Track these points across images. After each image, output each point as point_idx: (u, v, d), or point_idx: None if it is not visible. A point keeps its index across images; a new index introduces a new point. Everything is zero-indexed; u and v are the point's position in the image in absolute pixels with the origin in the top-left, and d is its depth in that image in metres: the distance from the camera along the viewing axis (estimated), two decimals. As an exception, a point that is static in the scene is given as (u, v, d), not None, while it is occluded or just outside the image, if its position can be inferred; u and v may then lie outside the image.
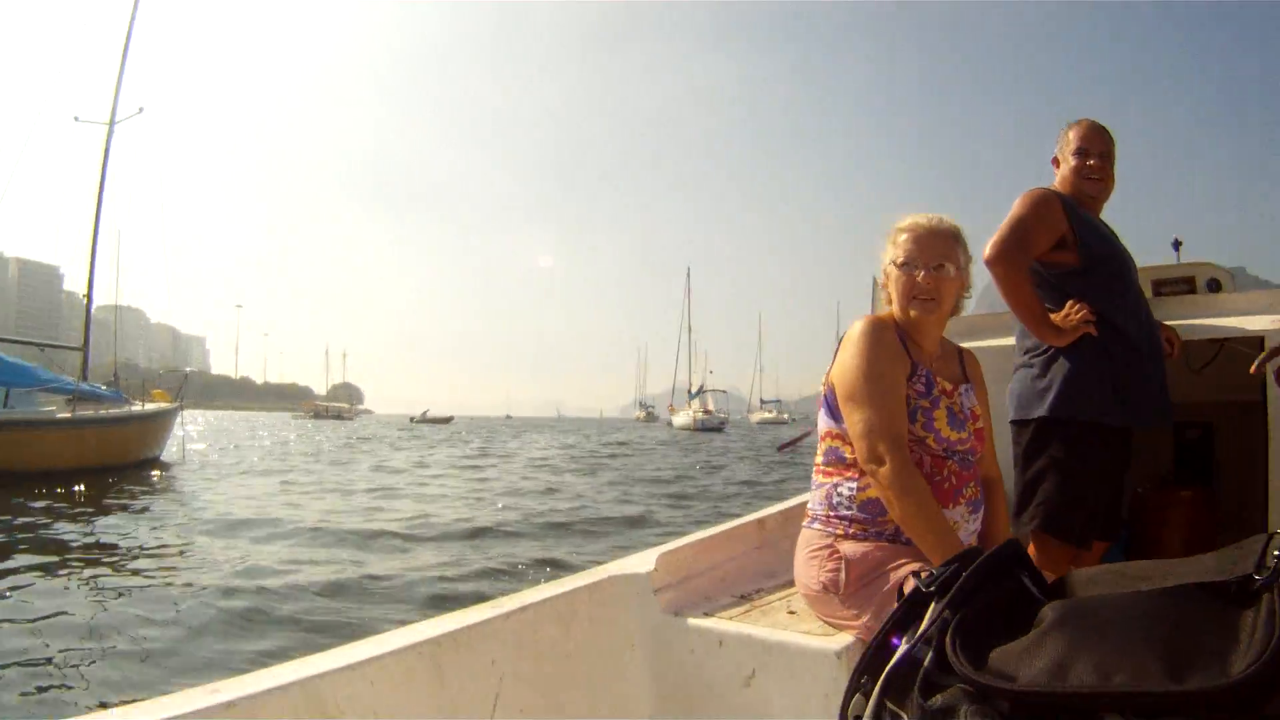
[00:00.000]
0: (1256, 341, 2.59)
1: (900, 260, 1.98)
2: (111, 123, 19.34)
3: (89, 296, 19.21)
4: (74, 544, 8.11)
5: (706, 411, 68.91)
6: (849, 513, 1.91)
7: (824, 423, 2.04)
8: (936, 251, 1.96)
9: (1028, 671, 0.97)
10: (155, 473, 16.53)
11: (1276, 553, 0.99)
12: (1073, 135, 2.64)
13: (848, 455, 1.94)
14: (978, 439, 2.03)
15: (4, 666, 4.31)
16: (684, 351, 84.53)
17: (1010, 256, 2.42)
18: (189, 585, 6.28)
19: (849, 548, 1.87)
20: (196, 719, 1.18)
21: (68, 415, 15.30)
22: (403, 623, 1.73)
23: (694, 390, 78.72)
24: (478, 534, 9.07)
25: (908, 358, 1.96)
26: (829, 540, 1.91)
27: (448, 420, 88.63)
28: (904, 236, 2.00)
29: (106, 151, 19.25)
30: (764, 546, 2.42)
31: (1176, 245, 3.85)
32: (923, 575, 1.16)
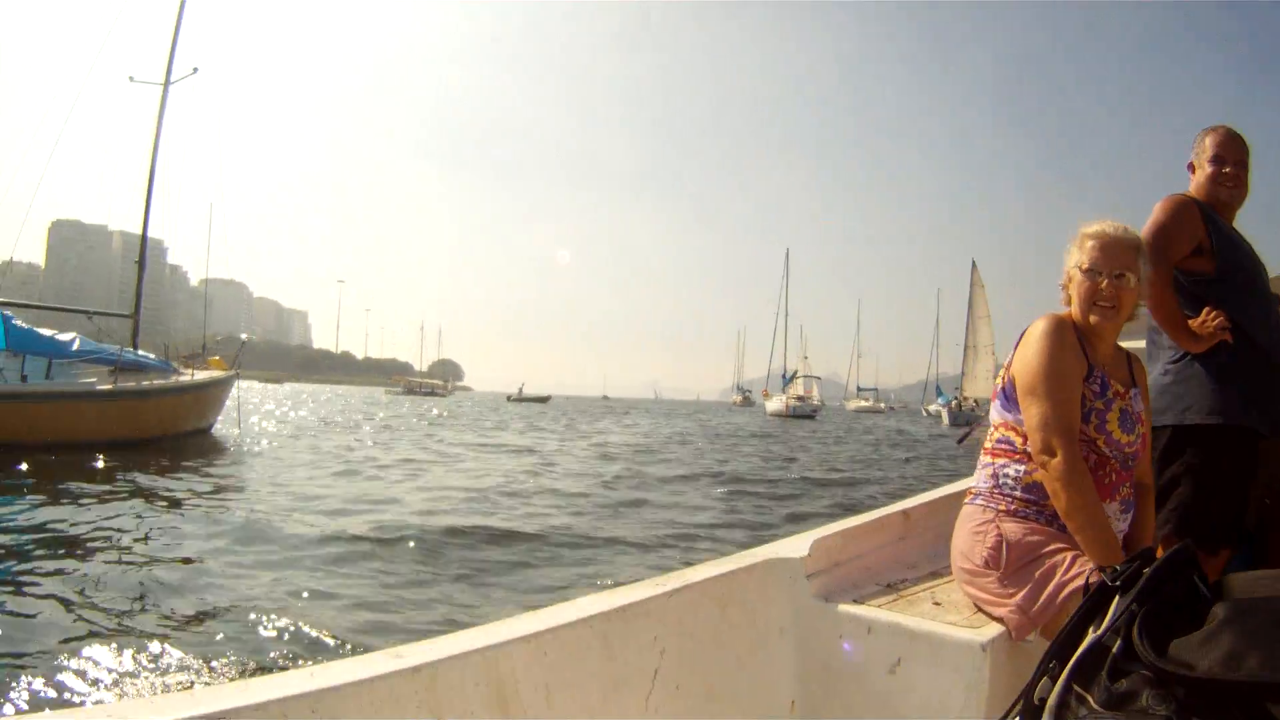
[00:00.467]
0: None
1: (1085, 266, 2.05)
2: (166, 83, 19.00)
3: (140, 263, 19.06)
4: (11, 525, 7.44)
5: (800, 398, 68.11)
6: (1013, 492, 2.01)
7: (997, 414, 2.13)
8: (1120, 261, 2.03)
9: (1204, 662, 1.06)
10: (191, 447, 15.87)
11: None
12: (1209, 142, 2.65)
13: (1018, 443, 2.04)
14: (1142, 444, 2.10)
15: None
16: (780, 336, 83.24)
17: (1152, 263, 2.40)
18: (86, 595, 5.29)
19: (1010, 527, 1.96)
20: (382, 682, 1.24)
21: (108, 387, 14.82)
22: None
23: (788, 375, 77.65)
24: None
25: (1085, 359, 2.03)
26: (991, 516, 2.01)
27: (545, 399, 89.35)
28: (1090, 243, 2.06)
29: (161, 112, 18.92)
30: (908, 537, 2.44)
31: None
32: (1106, 571, 1.26)
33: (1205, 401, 2.47)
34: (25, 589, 5.28)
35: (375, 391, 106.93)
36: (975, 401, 61.06)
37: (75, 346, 15.11)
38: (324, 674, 1.22)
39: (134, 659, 3.97)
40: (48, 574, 5.69)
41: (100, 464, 11.89)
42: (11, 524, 7.44)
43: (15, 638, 4.31)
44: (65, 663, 3.89)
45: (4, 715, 3.40)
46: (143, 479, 10.74)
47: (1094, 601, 1.23)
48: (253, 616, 4.76)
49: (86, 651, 4.02)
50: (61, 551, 6.49)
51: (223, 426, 19.72)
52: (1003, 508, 2.01)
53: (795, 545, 2.09)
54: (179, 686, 3.74)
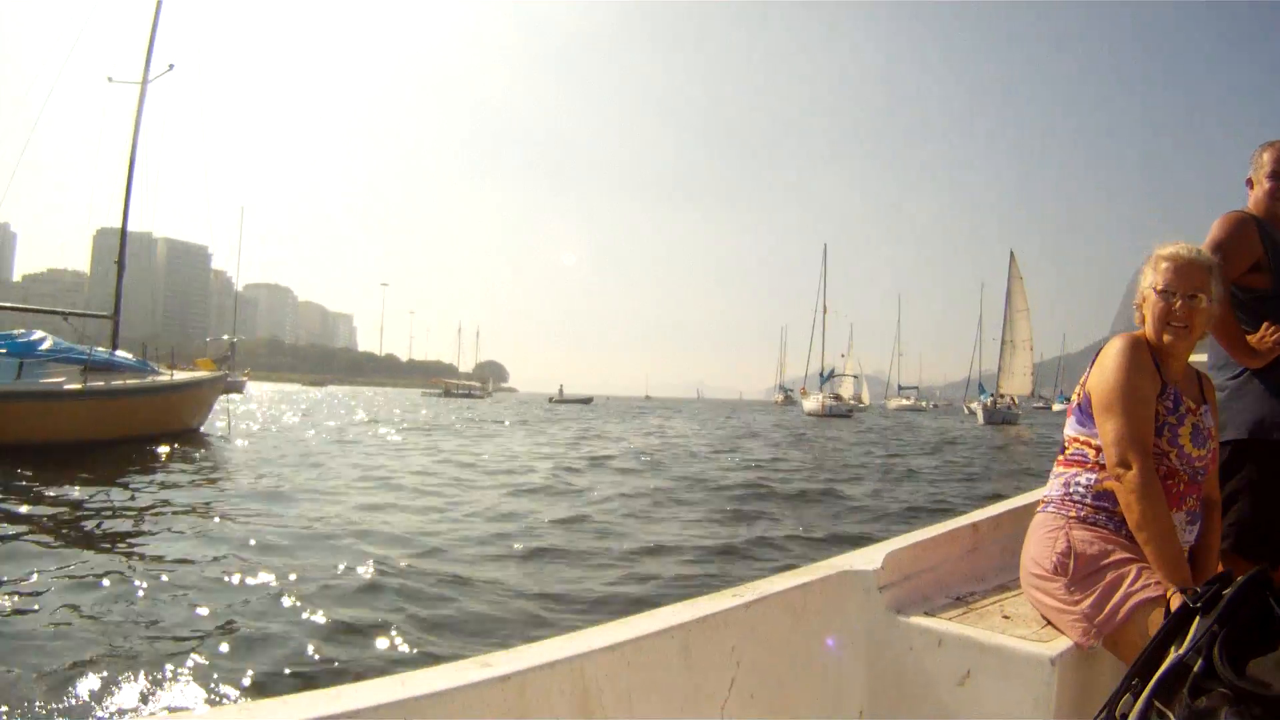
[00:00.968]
0: None
1: (1160, 287, 2.11)
2: (144, 82, 19.03)
3: (120, 264, 18.63)
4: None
5: (836, 397, 67.58)
6: (1084, 500, 2.08)
7: (1072, 429, 2.19)
8: (1193, 282, 2.09)
9: None
10: (164, 449, 14.87)
11: None
12: (1267, 158, 2.65)
13: (1091, 455, 2.11)
14: (1211, 458, 2.16)
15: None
16: (818, 333, 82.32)
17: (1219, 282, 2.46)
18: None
19: (1079, 535, 2.03)
20: (473, 690, 1.27)
21: (76, 386, 14.57)
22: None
23: (824, 374, 76.94)
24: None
25: (1159, 377, 2.10)
26: (1062, 523, 2.08)
27: (587, 400, 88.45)
28: (1165, 265, 2.13)
29: (139, 111, 18.96)
30: (976, 550, 2.48)
31: None
32: (1188, 593, 1.33)
33: (1265, 417, 2.49)
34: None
35: (413, 394, 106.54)
36: (1012, 399, 59.51)
37: (45, 346, 15.00)
38: (414, 682, 1.25)
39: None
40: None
41: (59, 465, 11.44)
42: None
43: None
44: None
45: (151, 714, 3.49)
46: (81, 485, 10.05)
47: (1175, 622, 1.29)
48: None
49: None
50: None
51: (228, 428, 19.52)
52: (1073, 514, 2.08)
53: (868, 557, 2.13)
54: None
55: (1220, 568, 2.14)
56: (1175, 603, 1.44)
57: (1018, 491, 3.47)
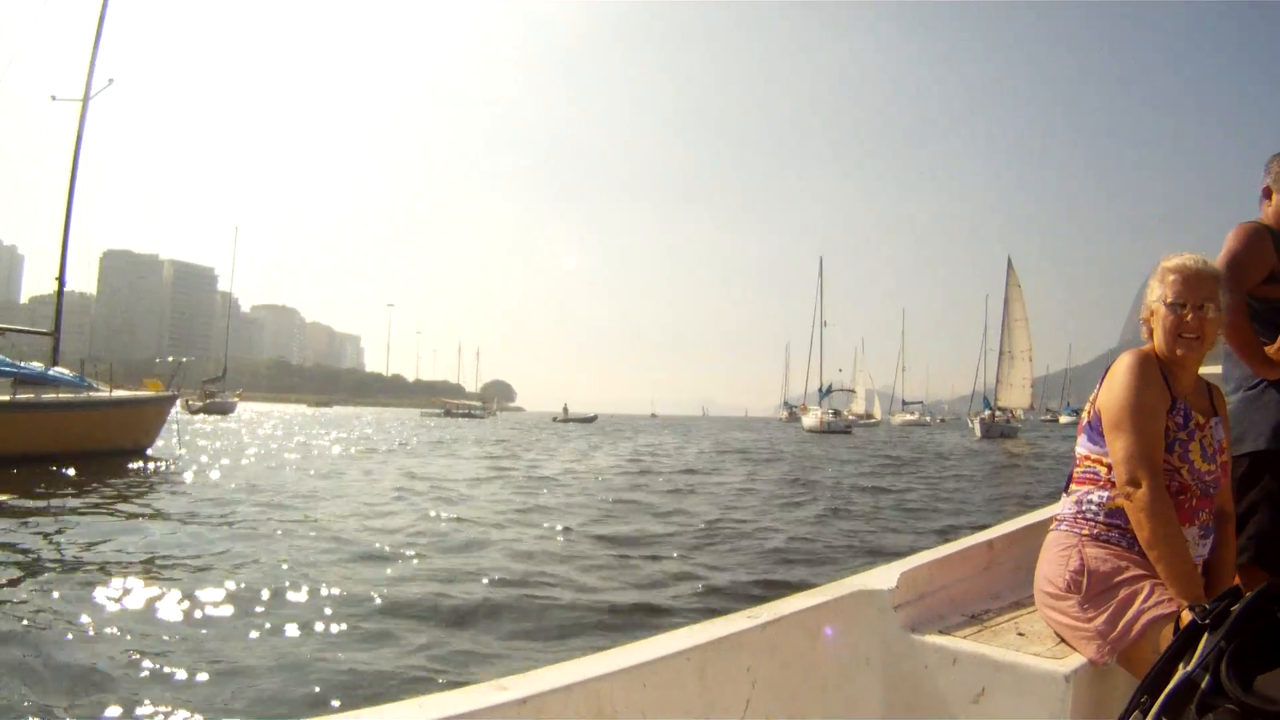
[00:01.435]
0: None
1: (1169, 299, 2.12)
2: (86, 99, 19.32)
3: (60, 280, 18.85)
4: None
5: (835, 413, 67.53)
6: (1097, 518, 2.08)
7: (1084, 447, 2.20)
8: (1201, 293, 2.10)
9: None
10: (71, 470, 13.93)
11: None
12: None
13: (1103, 473, 2.11)
14: (1222, 471, 2.15)
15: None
16: (817, 348, 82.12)
17: (1226, 290, 2.46)
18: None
19: (1093, 552, 2.03)
20: (491, 714, 1.27)
21: (4, 398, 14.65)
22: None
23: (823, 390, 76.83)
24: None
25: (1169, 392, 2.10)
26: (1075, 541, 2.08)
27: (591, 419, 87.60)
28: (1172, 277, 2.13)
29: (80, 128, 19.26)
30: (991, 568, 2.48)
31: None
32: (1196, 610, 1.32)
33: None
34: None
35: (415, 414, 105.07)
36: (1010, 413, 58.25)
37: None
38: (433, 705, 1.25)
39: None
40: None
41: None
42: None
43: None
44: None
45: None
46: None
47: (1184, 639, 1.29)
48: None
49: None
50: None
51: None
52: (1086, 532, 2.09)
53: (883, 577, 2.13)
54: None
55: (1237, 580, 2.13)
56: (1186, 619, 1.43)
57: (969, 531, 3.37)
